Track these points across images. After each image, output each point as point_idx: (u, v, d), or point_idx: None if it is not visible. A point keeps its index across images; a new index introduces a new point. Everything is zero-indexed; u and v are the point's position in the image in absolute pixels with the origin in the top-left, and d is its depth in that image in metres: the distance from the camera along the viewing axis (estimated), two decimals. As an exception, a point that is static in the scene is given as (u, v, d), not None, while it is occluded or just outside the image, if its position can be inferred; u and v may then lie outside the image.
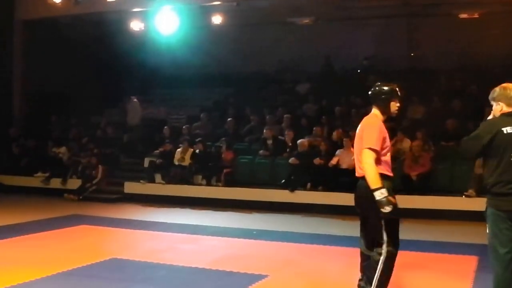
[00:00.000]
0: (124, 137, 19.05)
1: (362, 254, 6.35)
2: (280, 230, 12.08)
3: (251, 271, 8.31)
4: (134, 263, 8.87)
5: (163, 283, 7.81)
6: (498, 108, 5.45)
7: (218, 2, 18.31)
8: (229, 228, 12.27)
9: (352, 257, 8.17)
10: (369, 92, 6.26)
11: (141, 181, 16.38)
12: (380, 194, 5.70)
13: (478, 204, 12.64)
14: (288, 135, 16.41)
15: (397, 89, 6.18)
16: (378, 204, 5.70)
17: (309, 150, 15.34)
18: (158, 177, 16.32)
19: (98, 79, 20.69)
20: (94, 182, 16.97)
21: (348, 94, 18.52)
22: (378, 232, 5.91)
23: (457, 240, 10.96)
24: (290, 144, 16.10)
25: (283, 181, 15.06)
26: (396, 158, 14.69)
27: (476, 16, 17.93)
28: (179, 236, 11.37)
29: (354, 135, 6.42)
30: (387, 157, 6.07)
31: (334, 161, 14.76)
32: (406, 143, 14.87)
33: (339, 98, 18.53)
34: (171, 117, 20.27)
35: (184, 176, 16.14)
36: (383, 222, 5.85)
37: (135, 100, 19.40)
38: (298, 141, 15.46)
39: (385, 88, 6.18)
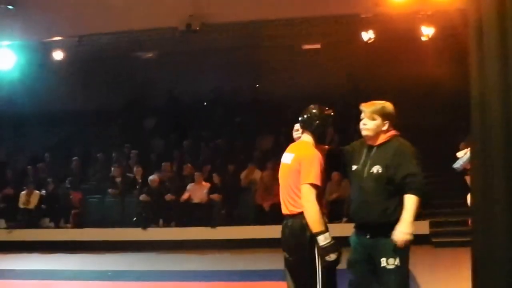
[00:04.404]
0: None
1: None
2: (135, 270, 11.94)
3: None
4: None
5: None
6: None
7: (59, 38, 17.81)
8: (83, 271, 11.91)
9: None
10: (302, 117, 5.58)
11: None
12: (324, 239, 5.07)
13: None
14: (137, 172, 16.17)
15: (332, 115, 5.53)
16: (321, 250, 5.10)
17: (159, 186, 15.22)
18: (2, 222, 15.56)
19: None
20: None
21: (195, 127, 18.59)
22: (313, 284, 5.21)
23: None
24: (140, 181, 15.86)
25: (135, 219, 14.82)
26: (247, 189, 14.93)
27: (318, 47, 18.51)
28: (30, 283, 10.87)
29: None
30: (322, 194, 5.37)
31: (185, 196, 14.77)
32: (257, 174, 15.09)
33: (187, 131, 18.57)
34: (13, 158, 19.39)
35: (30, 220, 15.45)
36: (320, 273, 5.18)
37: None
38: (149, 178, 15.28)
39: (324, 113, 5.47)
